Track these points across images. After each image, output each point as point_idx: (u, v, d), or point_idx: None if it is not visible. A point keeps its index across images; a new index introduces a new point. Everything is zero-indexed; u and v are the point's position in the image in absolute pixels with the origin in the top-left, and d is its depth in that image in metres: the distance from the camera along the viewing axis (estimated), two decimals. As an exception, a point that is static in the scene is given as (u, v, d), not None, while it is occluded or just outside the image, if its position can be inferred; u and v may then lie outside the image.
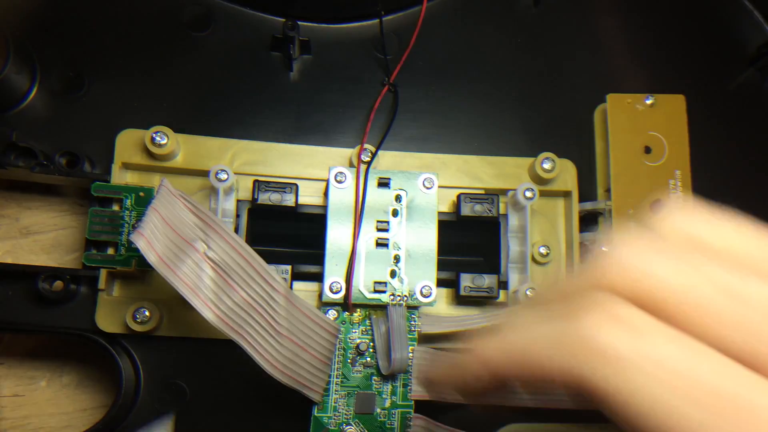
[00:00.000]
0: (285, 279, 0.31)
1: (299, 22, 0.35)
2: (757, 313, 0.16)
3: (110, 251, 0.31)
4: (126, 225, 0.31)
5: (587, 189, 0.36)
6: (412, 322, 0.32)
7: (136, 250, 0.30)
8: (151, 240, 0.27)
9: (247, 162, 0.33)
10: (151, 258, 0.26)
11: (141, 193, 0.31)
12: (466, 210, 0.34)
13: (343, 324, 0.31)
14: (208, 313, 0.27)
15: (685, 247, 0.17)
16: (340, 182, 0.32)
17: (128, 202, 0.31)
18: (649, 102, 0.37)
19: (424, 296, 0.32)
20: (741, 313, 0.16)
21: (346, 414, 0.31)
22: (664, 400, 0.16)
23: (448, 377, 0.22)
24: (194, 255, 0.27)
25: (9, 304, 0.30)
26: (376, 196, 0.33)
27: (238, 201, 0.33)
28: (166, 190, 0.28)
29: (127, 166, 0.33)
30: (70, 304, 0.31)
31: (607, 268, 0.17)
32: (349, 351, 0.31)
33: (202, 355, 0.32)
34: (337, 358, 0.31)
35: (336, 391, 0.31)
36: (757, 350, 0.16)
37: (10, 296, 0.31)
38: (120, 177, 0.32)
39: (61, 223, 0.34)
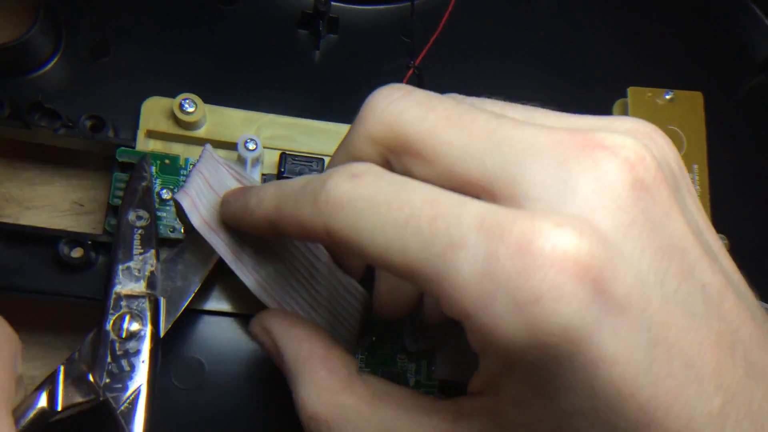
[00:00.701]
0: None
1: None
2: (474, 135, 0.19)
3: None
4: (151, 192, 0.30)
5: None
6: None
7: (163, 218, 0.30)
8: (195, 201, 0.26)
9: (272, 136, 0.33)
10: (195, 219, 0.26)
11: (166, 161, 0.31)
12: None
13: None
14: (249, 281, 0.26)
15: (431, 94, 0.21)
16: (368, 158, 0.32)
17: (153, 169, 0.30)
18: (668, 97, 0.37)
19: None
20: (465, 139, 0.19)
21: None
22: (374, 225, 0.18)
23: (236, 201, 0.25)
24: None
25: (28, 269, 0.29)
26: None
27: (264, 175, 0.32)
28: (209, 154, 0.27)
29: (150, 134, 0.32)
30: (89, 272, 0.30)
31: (367, 120, 0.21)
32: (375, 327, 0.30)
33: (219, 329, 0.31)
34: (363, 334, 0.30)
35: (361, 368, 0.30)
36: (475, 170, 0.19)
37: (28, 261, 0.30)
38: (143, 145, 0.31)
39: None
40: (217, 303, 0.31)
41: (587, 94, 0.39)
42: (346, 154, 0.22)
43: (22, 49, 0.31)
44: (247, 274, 0.26)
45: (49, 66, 0.32)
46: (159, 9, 0.35)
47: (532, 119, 0.21)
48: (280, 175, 0.31)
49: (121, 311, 0.27)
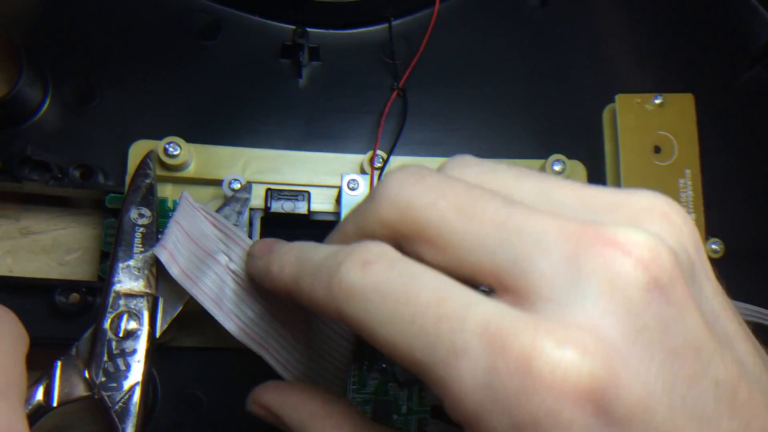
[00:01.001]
0: None
1: (308, 29, 0.35)
2: (484, 226, 0.19)
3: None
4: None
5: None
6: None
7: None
8: (173, 253, 0.27)
9: (259, 170, 0.33)
10: (174, 271, 0.27)
11: (155, 204, 0.32)
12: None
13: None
14: (230, 325, 0.27)
15: (443, 179, 0.20)
16: (352, 189, 0.32)
17: (142, 213, 0.31)
18: (658, 101, 0.37)
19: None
20: (474, 230, 0.19)
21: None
22: (382, 318, 0.18)
23: (260, 260, 0.25)
24: (216, 267, 0.27)
25: (26, 318, 0.30)
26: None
27: (251, 209, 0.33)
28: (186, 202, 0.28)
29: (140, 177, 0.33)
30: (86, 316, 0.31)
31: (381, 204, 0.20)
32: (364, 358, 0.31)
33: (217, 364, 0.32)
34: (353, 366, 0.31)
35: (353, 399, 0.31)
36: (486, 261, 0.18)
37: (27, 310, 0.31)
38: (133, 188, 0.32)
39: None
40: (212, 338, 0.32)
41: (576, 101, 0.38)
42: (357, 231, 0.22)
43: (11, 103, 0.32)
44: (227, 319, 0.27)
45: (38, 115, 0.33)
46: (142, 49, 0.35)
47: (547, 196, 0.20)
48: (266, 211, 0.32)
49: (120, 309, 0.28)
